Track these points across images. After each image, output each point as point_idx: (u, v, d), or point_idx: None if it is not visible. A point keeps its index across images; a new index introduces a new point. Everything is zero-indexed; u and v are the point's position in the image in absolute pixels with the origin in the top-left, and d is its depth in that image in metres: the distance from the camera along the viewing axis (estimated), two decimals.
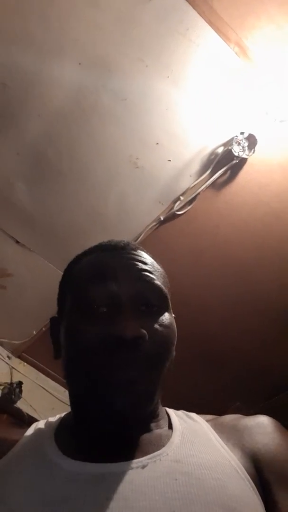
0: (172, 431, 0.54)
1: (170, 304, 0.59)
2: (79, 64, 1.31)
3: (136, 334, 0.49)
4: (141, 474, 0.45)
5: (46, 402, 1.92)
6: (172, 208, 1.56)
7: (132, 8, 1.22)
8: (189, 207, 1.56)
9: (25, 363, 1.98)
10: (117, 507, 0.41)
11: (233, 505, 0.41)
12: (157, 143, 1.45)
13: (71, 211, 1.61)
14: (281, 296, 1.72)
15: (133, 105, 1.39)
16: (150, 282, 0.56)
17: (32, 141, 1.48)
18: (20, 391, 1.79)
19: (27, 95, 1.38)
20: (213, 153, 1.47)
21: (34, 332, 1.88)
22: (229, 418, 0.59)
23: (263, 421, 0.57)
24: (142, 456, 0.48)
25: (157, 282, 0.57)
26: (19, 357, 1.96)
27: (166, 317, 0.56)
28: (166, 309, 0.57)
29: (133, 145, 1.46)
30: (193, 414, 0.60)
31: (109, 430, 0.52)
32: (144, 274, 0.57)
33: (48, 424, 0.59)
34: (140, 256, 0.60)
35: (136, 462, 0.46)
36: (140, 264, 0.58)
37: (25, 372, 1.95)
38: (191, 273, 1.67)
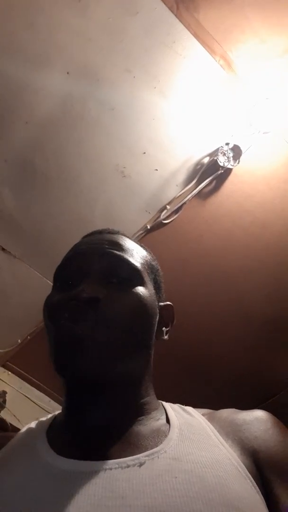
0: (169, 426, 0.52)
1: (147, 279, 0.62)
2: (67, 73, 1.32)
3: (90, 295, 0.52)
4: (139, 472, 0.43)
5: (30, 412, 1.89)
6: (159, 217, 1.57)
7: (120, 19, 1.24)
8: (175, 216, 1.58)
9: (9, 372, 1.95)
10: (114, 506, 0.39)
11: (236, 503, 0.40)
12: (144, 153, 1.46)
13: (58, 219, 1.61)
14: (267, 304, 1.73)
15: (121, 115, 1.40)
16: (117, 257, 0.59)
17: (19, 148, 1.48)
18: (4, 401, 1.77)
19: (14, 102, 1.38)
20: (199, 163, 1.49)
21: (19, 340, 1.86)
22: (226, 413, 0.58)
23: (262, 416, 0.56)
24: (139, 453, 0.46)
25: (126, 257, 0.60)
26: (3, 366, 1.93)
27: (138, 289, 0.58)
28: (139, 283, 0.59)
29: (120, 154, 1.47)
30: (189, 408, 0.60)
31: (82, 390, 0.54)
32: (112, 250, 0.60)
33: (40, 424, 0.59)
34: (114, 238, 0.64)
35: (133, 459, 0.45)
36: (110, 242, 0.62)
37: (9, 382, 1.92)
38: (178, 281, 1.68)
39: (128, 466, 0.44)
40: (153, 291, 0.63)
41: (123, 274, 0.58)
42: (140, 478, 0.43)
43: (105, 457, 0.46)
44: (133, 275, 0.59)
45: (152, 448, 0.47)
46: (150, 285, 0.62)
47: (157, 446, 0.48)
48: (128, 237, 0.68)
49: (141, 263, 0.62)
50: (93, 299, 0.52)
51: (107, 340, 0.51)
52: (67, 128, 1.43)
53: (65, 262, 0.62)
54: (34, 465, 0.47)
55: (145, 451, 0.47)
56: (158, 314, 0.63)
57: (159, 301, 0.65)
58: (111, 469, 0.44)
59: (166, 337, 0.66)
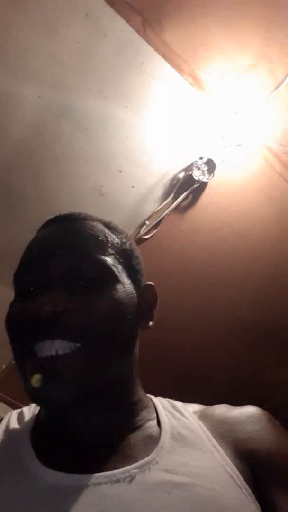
0: (160, 430, 0.50)
1: (119, 272, 0.53)
2: (39, 96, 1.33)
3: (53, 309, 0.45)
4: (130, 487, 0.41)
5: None
6: (139, 232, 1.58)
7: (89, 42, 1.26)
8: (155, 231, 1.59)
9: None
10: None
11: None
12: (120, 171, 1.48)
13: None
14: (253, 311, 1.75)
15: (95, 134, 1.41)
16: (84, 255, 0.51)
17: None
18: None
19: None
20: (174, 178, 1.51)
21: (4, 366, 1.82)
22: (218, 410, 0.57)
23: (255, 414, 0.55)
24: (129, 464, 0.44)
25: (94, 254, 0.52)
26: None
27: (110, 288, 0.51)
28: (112, 281, 0.51)
29: (97, 173, 1.48)
30: (179, 404, 0.58)
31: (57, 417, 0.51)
32: (78, 247, 0.52)
33: (21, 424, 0.54)
34: (80, 228, 0.55)
35: (123, 472, 0.43)
36: (76, 236, 0.54)
37: None
38: (162, 295, 1.68)
39: (118, 481, 0.42)
40: (129, 281, 0.55)
41: (91, 273, 0.50)
42: (131, 493, 0.41)
43: (94, 469, 0.44)
44: (103, 273, 0.51)
45: (143, 458, 0.45)
46: (123, 277, 0.54)
47: (148, 455, 0.46)
48: (93, 219, 0.59)
49: (111, 254, 0.54)
50: (58, 313, 0.46)
51: (84, 355, 0.46)
52: (42, 149, 1.44)
53: (22, 267, 0.54)
54: (20, 478, 0.44)
55: (135, 461, 0.45)
56: (137, 304, 0.55)
57: (138, 285, 0.58)
58: (100, 484, 0.42)
59: (151, 323, 0.59)
